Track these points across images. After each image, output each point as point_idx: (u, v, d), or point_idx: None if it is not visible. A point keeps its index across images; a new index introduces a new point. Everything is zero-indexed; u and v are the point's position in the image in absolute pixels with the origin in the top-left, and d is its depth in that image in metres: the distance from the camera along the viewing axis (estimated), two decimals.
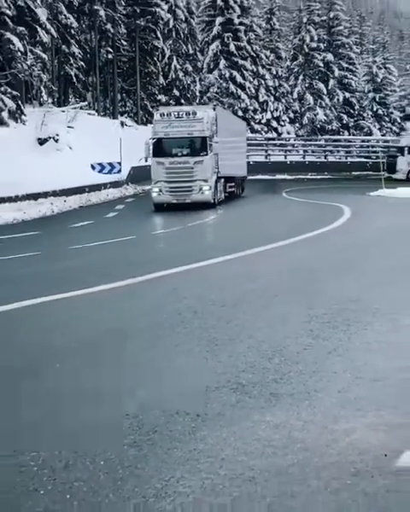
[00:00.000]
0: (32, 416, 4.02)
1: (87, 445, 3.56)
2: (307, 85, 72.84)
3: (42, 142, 38.31)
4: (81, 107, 49.97)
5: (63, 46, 48.79)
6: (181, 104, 67.20)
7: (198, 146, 26.51)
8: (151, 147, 26.22)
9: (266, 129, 70.49)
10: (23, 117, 37.32)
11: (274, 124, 71.38)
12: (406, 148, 50.77)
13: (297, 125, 72.82)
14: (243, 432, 3.71)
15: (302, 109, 72.86)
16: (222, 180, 29.19)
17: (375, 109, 78.72)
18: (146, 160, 27.96)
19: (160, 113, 28.54)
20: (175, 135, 26.43)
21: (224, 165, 28.50)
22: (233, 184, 32.64)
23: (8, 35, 33.55)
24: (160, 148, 26.46)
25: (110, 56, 58.40)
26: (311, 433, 3.65)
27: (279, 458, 3.34)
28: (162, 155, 26.26)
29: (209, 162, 26.26)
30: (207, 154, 26.13)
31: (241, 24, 68.70)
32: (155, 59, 62.32)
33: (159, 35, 61.66)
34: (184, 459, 3.36)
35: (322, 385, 4.56)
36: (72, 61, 51.15)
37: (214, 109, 29.24)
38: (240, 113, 68.03)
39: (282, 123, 72.45)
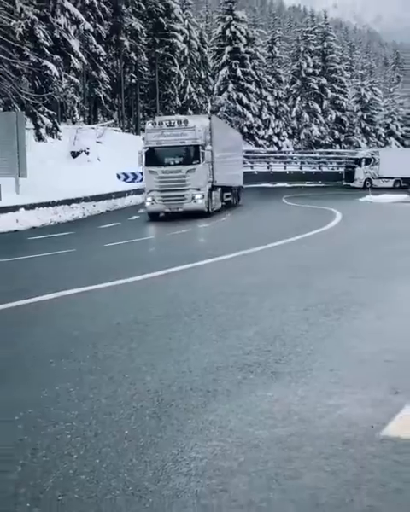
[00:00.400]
0: (67, 391, 4.03)
1: (114, 417, 3.57)
2: (303, 105, 72.85)
3: (75, 154, 38.42)
4: (108, 125, 50.06)
5: (93, 72, 48.82)
6: None
7: (191, 154, 23.52)
8: (144, 156, 23.51)
9: (268, 143, 70.63)
10: (58, 133, 37.43)
11: (275, 139, 71.57)
12: (363, 160, 50.95)
13: (295, 139, 73.02)
14: (248, 405, 3.71)
15: (300, 126, 72.92)
16: (219, 189, 26.39)
17: (363, 126, 78.77)
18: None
19: (151, 122, 25.46)
20: (167, 144, 23.40)
21: (220, 174, 25.74)
22: (230, 194, 29.85)
23: (46, 62, 33.64)
24: (152, 157, 23.51)
25: (133, 81, 58.52)
26: (307, 407, 3.65)
27: (279, 428, 3.34)
28: (155, 164, 23.49)
29: (202, 171, 23.39)
30: (199, 163, 23.23)
31: (246, 52, 68.81)
32: (173, 83, 62.39)
33: (176, 62, 61.77)
34: (198, 429, 3.36)
35: (316, 365, 4.56)
36: (100, 85, 51.20)
37: (210, 118, 26.34)
38: (245, 129, 68.02)
39: (282, 138, 72.60)
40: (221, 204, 26.86)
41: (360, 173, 50.30)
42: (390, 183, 49.95)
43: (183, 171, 23.02)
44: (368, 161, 50.61)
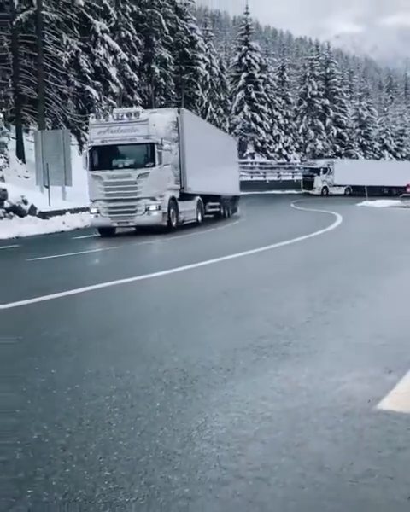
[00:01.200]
0: (106, 369, 4.05)
1: (147, 391, 3.59)
2: (309, 123, 72.62)
3: None
4: None
5: (128, 95, 48.92)
6: None
7: (143, 155, 16.56)
8: (87, 157, 16.89)
9: (278, 156, 70.47)
10: None
11: (284, 152, 71.42)
12: (321, 169, 50.56)
13: (302, 152, 72.75)
14: (261, 382, 3.71)
15: (306, 141, 72.72)
16: (196, 199, 19.57)
17: (361, 141, 78.46)
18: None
19: (96, 114, 19.19)
20: (113, 141, 16.54)
21: (196, 181, 18.84)
22: (218, 204, 22.89)
23: (88, 87, 33.83)
24: (96, 158, 16.76)
25: (163, 103, 58.47)
26: (312, 384, 3.65)
27: (288, 402, 3.34)
28: (99, 168, 16.68)
29: (158, 175, 16.42)
30: (154, 166, 16.31)
31: (260, 77, 68.72)
32: (196, 104, 62.41)
33: (199, 86, 61.81)
34: (219, 402, 3.37)
35: (320, 348, 4.55)
36: (134, 107, 51.27)
37: (179, 112, 18.64)
38: (259, 144, 67.82)
39: (290, 151, 72.43)
40: (199, 217, 20.03)
41: (319, 181, 49.94)
42: (342, 191, 49.63)
43: (133, 177, 16.39)
44: (325, 171, 50.15)
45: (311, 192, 48.92)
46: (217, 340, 4.86)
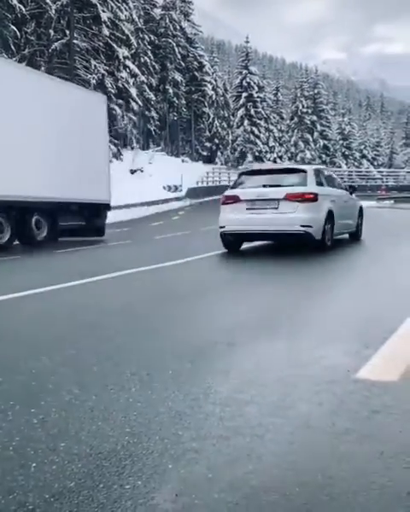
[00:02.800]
0: (125, 343, 4.05)
1: (161, 361, 3.59)
2: (299, 136, 72.32)
3: (133, 172, 38.59)
4: (157, 151, 50.07)
5: (146, 112, 48.81)
6: (219, 148, 66.74)
7: None
8: None
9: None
10: (121, 156, 37.65)
11: (278, 161, 71.07)
12: None
13: (293, 161, 72.44)
14: (258, 354, 3.72)
15: (296, 151, 72.44)
16: None
17: (343, 151, 78.11)
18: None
19: None
20: None
21: None
22: (39, 219, 12.24)
23: (112, 105, 33.81)
24: None
25: (175, 118, 58.35)
26: (300, 356, 3.65)
27: (280, 371, 3.34)
28: None
29: None
30: None
31: (258, 97, 68.41)
32: (204, 119, 62.21)
33: (206, 104, 61.57)
34: (222, 371, 3.38)
35: (308, 328, 4.55)
36: (151, 122, 51.15)
37: None
38: (256, 153, 67.46)
39: (283, 160, 72.10)
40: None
41: None
42: None
43: None
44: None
45: None
46: (220, 320, 4.86)
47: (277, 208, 9.11)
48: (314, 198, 9.09)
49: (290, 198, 9.06)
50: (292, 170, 10.12)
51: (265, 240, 10.87)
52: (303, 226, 9.06)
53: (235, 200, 9.58)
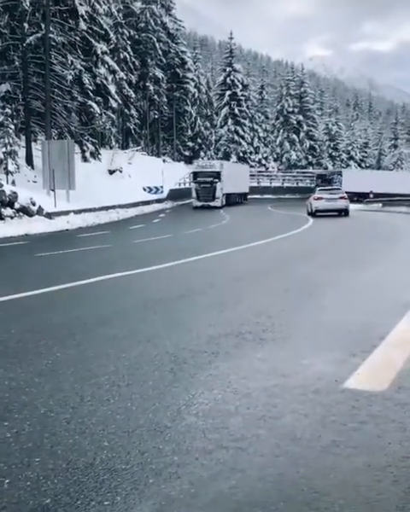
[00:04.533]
0: (105, 352, 4.03)
1: (141, 371, 3.59)
2: (285, 136, 72.70)
3: (111, 172, 38.40)
4: (137, 150, 49.96)
5: (125, 110, 48.77)
6: (202, 148, 66.92)
7: None
8: None
9: (258, 165, 70.56)
10: (99, 156, 37.46)
11: (263, 162, 71.52)
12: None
13: (278, 162, 72.88)
14: (242, 364, 3.73)
15: (282, 152, 72.79)
16: None
17: (330, 152, 78.69)
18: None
19: None
20: None
21: None
22: None
23: (90, 102, 33.69)
24: None
25: (156, 116, 58.35)
26: (286, 365, 3.67)
27: (265, 382, 3.35)
28: None
29: None
30: None
31: (242, 95, 68.66)
32: (186, 118, 62.26)
33: (188, 102, 61.65)
34: (204, 381, 3.38)
35: (294, 334, 4.57)
36: (131, 120, 51.10)
37: None
38: (241, 154, 67.71)
39: (268, 161, 72.57)
40: None
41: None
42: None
43: None
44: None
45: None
46: (203, 327, 4.85)
47: None
48: None
49: None
50: None
51: None
52: None
53: None
